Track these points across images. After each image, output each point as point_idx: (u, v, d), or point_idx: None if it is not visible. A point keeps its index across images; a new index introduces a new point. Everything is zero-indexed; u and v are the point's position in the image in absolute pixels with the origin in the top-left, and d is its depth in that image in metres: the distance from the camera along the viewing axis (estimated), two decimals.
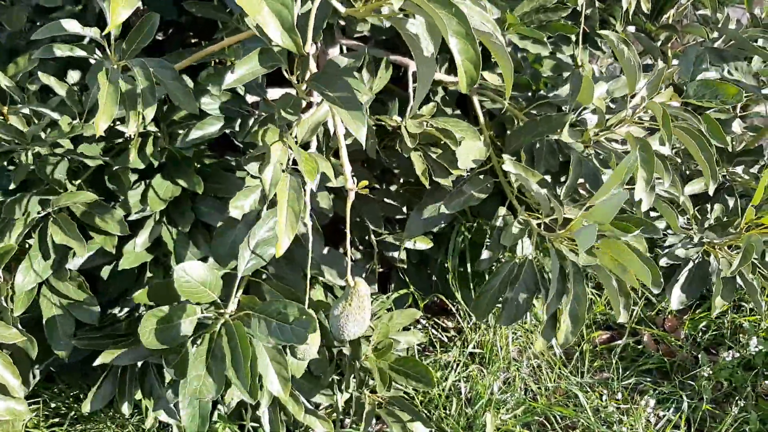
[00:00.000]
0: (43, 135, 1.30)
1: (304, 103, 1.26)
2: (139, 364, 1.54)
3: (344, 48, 1.51)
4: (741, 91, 1.41)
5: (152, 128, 1.44)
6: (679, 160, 1.70)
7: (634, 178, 1.33)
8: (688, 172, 1.73)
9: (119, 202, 1.41)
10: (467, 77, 0.91)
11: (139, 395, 1.56)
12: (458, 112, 1.76)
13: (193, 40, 1.99)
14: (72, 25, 1.09)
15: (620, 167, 1.17)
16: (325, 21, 1.08)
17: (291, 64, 1.11)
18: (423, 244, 1.77)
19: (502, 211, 1.49)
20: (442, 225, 1.68)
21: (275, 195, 1.10)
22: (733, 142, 1.74)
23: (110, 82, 1.05)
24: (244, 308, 1.18)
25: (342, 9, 0.96)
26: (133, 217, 1.41)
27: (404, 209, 1.79)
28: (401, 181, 1.83)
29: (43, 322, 1.43)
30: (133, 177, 1.42)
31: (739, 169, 1.67)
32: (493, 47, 0.94)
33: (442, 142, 1.44)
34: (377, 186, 1.78)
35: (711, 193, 1.42)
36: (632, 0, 1.36)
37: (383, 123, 1.49)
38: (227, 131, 1.43)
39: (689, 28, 1.80)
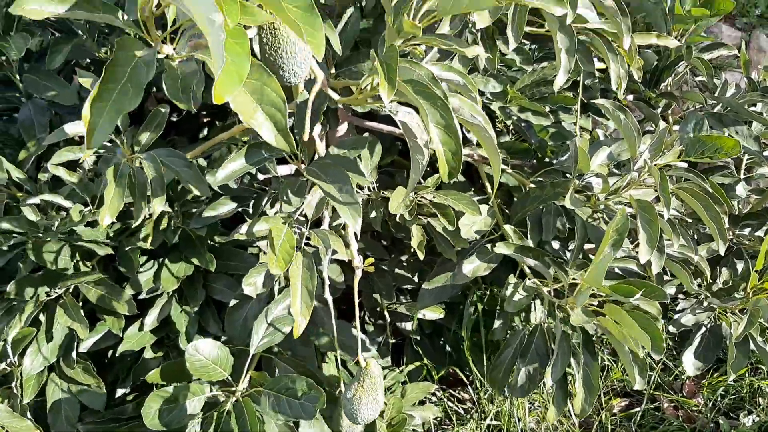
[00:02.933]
0: (55, 223, 1.34)
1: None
2: None
3: (352, 125, 1.56)
4: (739, 142, 1.43)
5: (166, 208, 1.47)
6: (689, 221, 1.70)
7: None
8: (696, 237, 1.73)
9: (129, 282, 1.43)
10: (448, 167, 0.94)
11: None
12: (463, 179, 1.80)
13: (206, 119, 2.06)
14: (76, 128, 1.14)
15: (607, 231, 1.19)
16: (323, 108, 1.12)
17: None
18: (435, 314, 1.77)
19: (513, 279, 1.50)
20: (456, 293, 1.68)
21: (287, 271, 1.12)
22: (739, 205, 1.75)
23: (117, 180, 1.09)
24: (255, 385, 1.18)
25: (337, 97, 1.00)
26: (142, 296, 1.43)
27: (416, 278, 1.80)
28: (412, 250, 1.85)
29: (47, 406, 1.41)
30: (145, 256, 1.44)
31: (746, 232, 1.68)
32: (483, 140, 0.97)
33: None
34: (387, 257, 1.79)
35: (722, 253, 1.42)
36: (621, 79, 1.39)
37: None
38: (240, 210, 1.46)
39: (688, 94, 1.84)
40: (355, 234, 1.24)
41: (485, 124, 0.94)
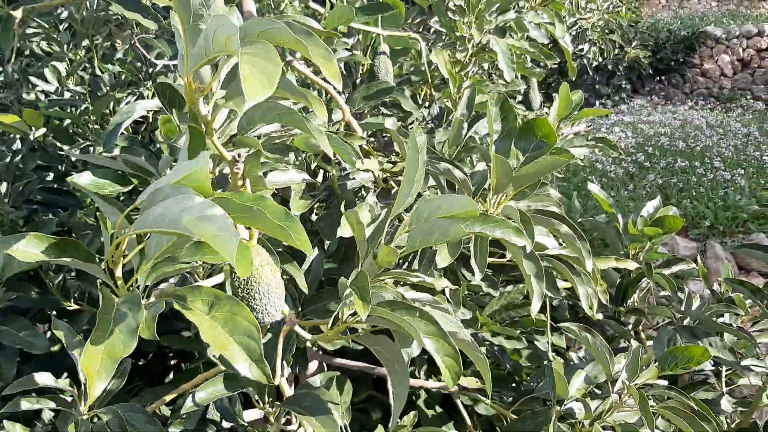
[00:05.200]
0: None
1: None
2: None
3: (322, 364, 1.52)
4: (707, 350, 1.41)
5: None
6: None
7: None
8: None
9: None
10: (451, 373, 0.91)
11: None
12: (442, 411, 1.72)
13: (173, 362, 2.00)
14: (44, 378, 1.10)
15: None
16: (292, 347, 1.10)
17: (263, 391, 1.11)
18: None
19: None
20: None
21: None
22: (728, 420, 1.69)
23: None
24: None
25: (309, 337, 0.98)
26: None
27: None
28: None
29: None
30: None
31: None
32: (473, 355, 0.95)
33: None
34: None
35: None
36: (592, 298, 1.41)
37: None
38: None
39: (655, 309, 1.86)
40: None
41: (460, 329, 0.93)
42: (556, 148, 1.53)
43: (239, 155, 0.84)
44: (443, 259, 1.10)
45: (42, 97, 2.21)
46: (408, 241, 0.94)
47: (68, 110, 2.14)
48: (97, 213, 1.00)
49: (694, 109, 8.63)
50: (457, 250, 1.12)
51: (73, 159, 1.98)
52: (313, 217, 1.51)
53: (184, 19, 0.73)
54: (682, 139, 6.74)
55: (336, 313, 1.00)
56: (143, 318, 0.72)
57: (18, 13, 1.37)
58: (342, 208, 1.38)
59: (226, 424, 1.37)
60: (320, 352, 1.51)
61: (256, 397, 1.09)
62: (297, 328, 0.98)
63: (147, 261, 0.77)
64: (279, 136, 1.00)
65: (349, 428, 1.36)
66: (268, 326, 1.11)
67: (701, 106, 8.87)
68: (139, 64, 2.20)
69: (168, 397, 1.26)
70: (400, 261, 1.22)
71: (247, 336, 0.80)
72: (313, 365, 1.49)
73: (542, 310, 1.80)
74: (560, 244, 1.46)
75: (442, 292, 1.46)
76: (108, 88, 2.12)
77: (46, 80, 2.18)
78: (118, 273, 0.76)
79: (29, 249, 0.70)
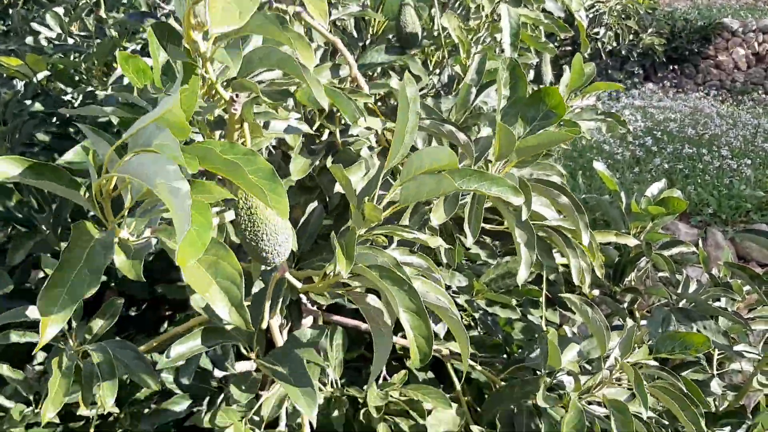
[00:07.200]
0: None
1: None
2: None
3: (317, 321, 1.52)
4: (708, 339, 1.41)
5: (114, 409, 1.37)
6: (666, 422, 1.64)
7: None
8: None
9: None
10: (420, 353, 0.90)
11: None
12: (432, 376, 1.73)
13: (167, 313, 2.01)
14: (35, 312, 1.09)
15: (562, 427, 1.13)
16: (282, 296, 1.10)
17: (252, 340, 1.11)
18: None
19: None
20: None
21: None
22: (716, 403, 1.69)
23: (62, 372, 1.03)
24: None
25: (299, 285, 0.98)
26: None
27: None
28: None
29: None
30: None
31: (726, 431, 1.61)
32: (449, 321, 0.94)
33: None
34: None
35: None
36: (584, 273, 1.40)
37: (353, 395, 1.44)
38: (195, 410, 1.37)
39: (653, 290, 1.85)
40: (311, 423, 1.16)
41: (450, 306, 0.92)
42: (564, 120, 1.52)
43: (237, 95, 0.83)
44: (438, 217, 1.09)
45: (46, 44, 2.19)
46: (401, 196, 0.93)
47: (72, 56, 2.12)
48: (81, 145, 0.98)
49: (705, 98, 8.55)
50: (453, 208, 1.11)
51: (68, 115, 1.96)
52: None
53: None
54: (692, 126, 6.69)
55: (326, 267, 1.00)
56: (115, 256, 0.71)
57: None
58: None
59: (218, 373, 1.38)
60: (317, 308, 1.51)
61: (245, 345, 1.09)
62: (287, 276, 0.98)
63: (132, 199, 0.76)
64: (280, 84, 0.98)
65: (339, 383, 1.36)
66: (260, 274, 1.10)
67: (713, 96, 8.80)
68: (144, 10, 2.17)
69: (158, 342, 1.26)
70: (396, 216, 1.21)
71: (229, 281, 0.79)
72: (307, 321, 1.49)
73: (538, 283, 1.80)
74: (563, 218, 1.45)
75: (436, 260, 1.45)
76: (112, 34, 2.10)
77: (48, 27, 2.16)
78: (108, 207, 0.75)
79: (6, 169, 0.69)
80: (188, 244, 0.65)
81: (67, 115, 1.99)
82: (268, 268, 1.07)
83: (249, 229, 0.88)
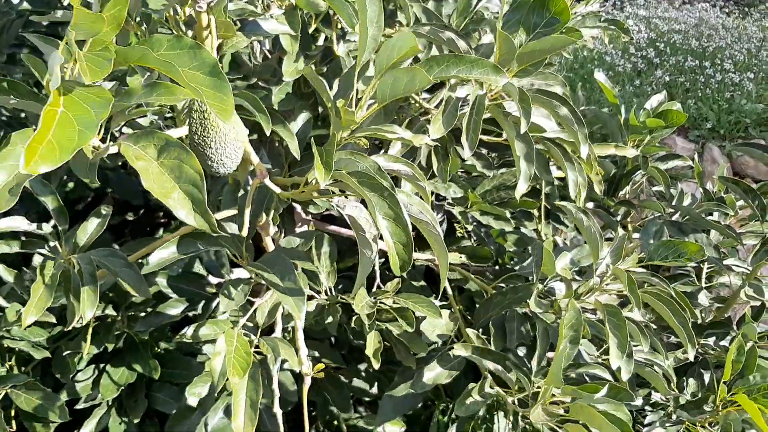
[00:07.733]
0: None
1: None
2: None
3: (310, 229, 1.53)
4: (702, 247, 1.42)
5: (111, 311, 1.40)
6: (655, 328, 1.68)
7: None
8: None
9: (65, 388, 1.33)
10: (399, 260, 0.90)
11: None
12: (424, 284, 1.76)
13: (162, 220, 2.01)
14: (19, 222, 1.09)
15: (561, 328, 1.16)
16: (266, 203, 1.09)
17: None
18: (395, 427, 1.68)
19: (474, 387, 1.43)
20: (418, 404, 1.60)
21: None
22: (702, 314, 1.73)
23: (45, 279, 1.03)
24: None
25: (278, 191, 0.97)
26: (81, 406, 1.33)
27: (374, 390, 1.72)
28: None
29: None
30: (84, 362, 1.35)
31: (710, 341, 1.65)
32: (430, 236, 0.94)
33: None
34: (345, 366, 1.72)
35: (692, 358, 1.37)
36: (581, 187, 1.39)
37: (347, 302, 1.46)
38: (190, 314, 1.40)
39: (646, 203, 1.86)
40: (303, 332, 1.18)
41: (432, 221, 0.91)
42: (567, 27, 1.47)
43: None
44: (437, 129, 1.07)
45: None
46: (378, 94, 0.90)
47: None
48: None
49: (711, 9, 8.31)
50: (452, 120, 1.09)
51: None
52: None
53: None
54: (696, 37, 6.53)
55: (309, 173, 0.98)
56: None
57: None
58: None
59: (213, 279, 1.40)
60: (310, 218, 1.51)
61: (233, 252, 1.09)
62: (267, 182, 0.96)
63: None
64: None
65: (333, 290, 1.38)
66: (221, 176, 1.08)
67: (720, 8, 8.54)
68: None
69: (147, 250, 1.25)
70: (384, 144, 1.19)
71: (191, 184, 0.76)
72: (303, 230, 1.50)
73: (535, 195, 1.80)
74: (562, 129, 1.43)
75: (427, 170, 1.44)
76: None
77: None
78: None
79: None
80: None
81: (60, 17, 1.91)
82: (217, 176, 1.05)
83: (198, 132, 0.86)
